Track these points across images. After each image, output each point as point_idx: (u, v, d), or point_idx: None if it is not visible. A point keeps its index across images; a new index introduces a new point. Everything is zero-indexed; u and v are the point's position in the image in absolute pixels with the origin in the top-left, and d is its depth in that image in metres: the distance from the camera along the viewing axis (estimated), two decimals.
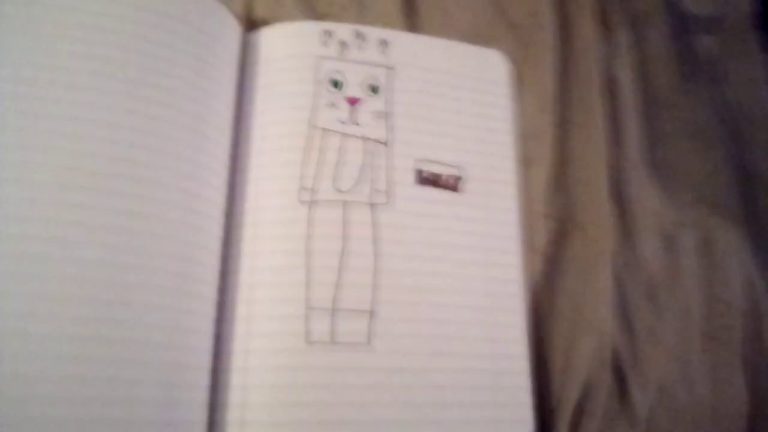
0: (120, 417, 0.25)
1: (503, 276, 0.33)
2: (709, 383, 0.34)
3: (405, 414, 0.30)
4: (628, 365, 0.34)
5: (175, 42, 0.31)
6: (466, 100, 0.36)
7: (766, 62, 0.44)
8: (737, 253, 0.37)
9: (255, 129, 0.33)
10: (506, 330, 0.32)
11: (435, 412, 0.30)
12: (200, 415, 0.28)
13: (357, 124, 0.34)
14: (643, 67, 0.41)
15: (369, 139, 0.34)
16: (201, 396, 0.28)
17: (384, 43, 0.36)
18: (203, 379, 0.28)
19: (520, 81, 0.39)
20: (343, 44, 0.35)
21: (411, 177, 0.34)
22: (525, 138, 0.38)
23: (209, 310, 0.29)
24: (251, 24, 0.36)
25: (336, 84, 0.34)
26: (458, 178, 0.34)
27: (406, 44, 0.36)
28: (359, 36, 0.36)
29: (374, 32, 0.36)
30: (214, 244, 0.30)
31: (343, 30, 0.35)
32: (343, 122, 0.34)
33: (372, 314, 0.31)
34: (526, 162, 0.37)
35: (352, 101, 0.34)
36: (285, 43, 0.35)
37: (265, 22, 0.36)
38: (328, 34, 0.35)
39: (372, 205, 0.33)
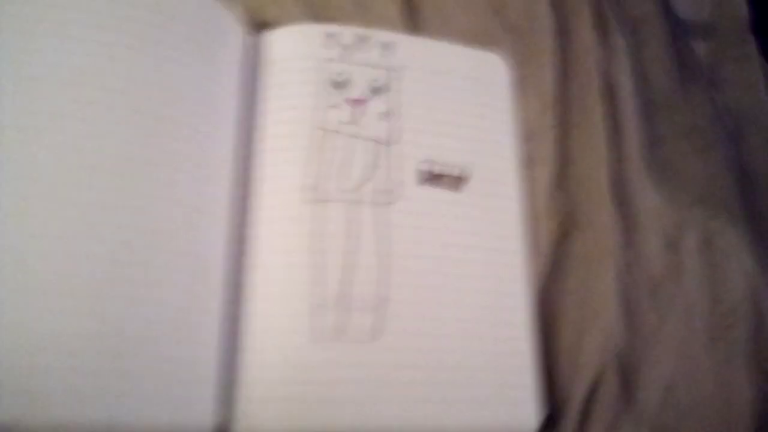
0: (129, 412, 0.25)
1: (507, 275, 0.34)
2: (714, 382, 0.34)
3: (411, 410, 0.30)
4: (632, 365, 0.34)
5: (178, 43, 0.31)
6: (468, 101, 0.37)
7: (763, 66, 0.44)
8: (738, 253, 0.37)
9: (261, 129, 0.33)
10: (511, 328, 0.33)
11: (440, 409, 0.30)
12: (208, 410, 0.28)
13: (361, 124, 0.34)
14: (641, 70, 0.42)
15: (372, 139, 0.34)
16: (208, 391, 0.28)
17: (387, 46, 0.36)
18: (211, 375, 0.28)
19: (521, 83, 0.39)
20: (347, 46, 0.36)
21: (414, 177, 0.34)
22: (526, 139, 0.38)
23: (216, 307, 0.29)
24: (256, 27, 0.36)
25: (340, 85, 0.35)
26: (461, 178, 0.35)
27: (409, 46, 0.37)
28: (362, 38, 0.36)
29: (377, 35, 0.36)
30: (220, 242, 0.30)
31: (347, 32, 0.36)
32: (347, 123, 0.34)
33: (376, 311, 0.31)
34: (527, 163, 0.37)
35: (357, 102, 0.35)
36: (289, 46, 0.35)
37: (269, 25, 0.36)
38: (332, 36, 0.35)
39: (376, 205, 0.33)
